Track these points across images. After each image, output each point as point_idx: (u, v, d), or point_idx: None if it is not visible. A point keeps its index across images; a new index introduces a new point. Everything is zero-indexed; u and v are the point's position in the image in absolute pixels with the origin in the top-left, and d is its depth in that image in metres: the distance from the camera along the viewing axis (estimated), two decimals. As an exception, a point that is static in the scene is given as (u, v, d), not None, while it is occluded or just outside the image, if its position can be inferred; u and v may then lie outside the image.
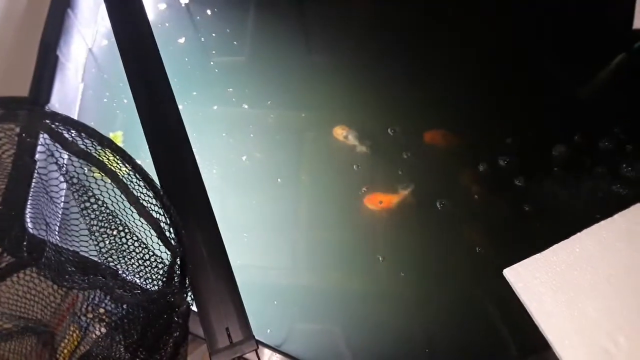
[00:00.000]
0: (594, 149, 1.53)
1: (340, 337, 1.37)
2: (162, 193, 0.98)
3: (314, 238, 1.51)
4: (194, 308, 1.09)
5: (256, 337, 1.06)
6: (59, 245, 0.94)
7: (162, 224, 0.96)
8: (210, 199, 1.19)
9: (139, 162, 0.98)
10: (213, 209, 1.18)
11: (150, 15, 1.77)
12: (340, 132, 1.60)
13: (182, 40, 1.77)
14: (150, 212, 0.94)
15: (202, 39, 1.80)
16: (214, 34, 1.80)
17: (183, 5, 1.84)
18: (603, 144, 1.52)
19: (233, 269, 1.12)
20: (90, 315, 1.02)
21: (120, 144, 1.52)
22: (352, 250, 1.50)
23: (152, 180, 0.97)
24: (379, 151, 1.59)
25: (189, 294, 1.08)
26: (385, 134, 1.61)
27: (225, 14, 1.83)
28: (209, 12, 1.83)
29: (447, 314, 1.41)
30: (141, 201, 0.93)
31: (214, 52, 1.76)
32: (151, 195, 0.95)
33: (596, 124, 1.58)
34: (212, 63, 1.74)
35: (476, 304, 1.40)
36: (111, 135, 1.55)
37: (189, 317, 1.08)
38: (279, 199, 1.55)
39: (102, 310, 1.01)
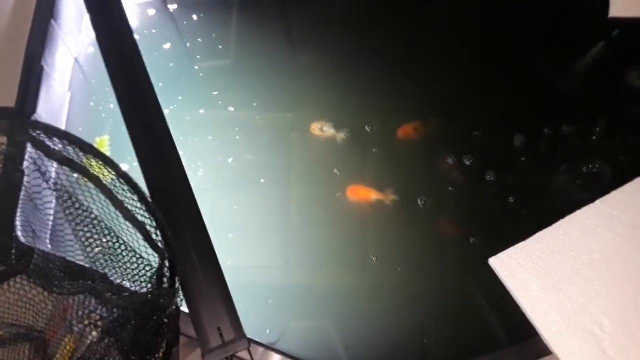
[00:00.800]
0: (573, 137, 1.55)
1: (334, 333, 1.39)
2: (146, 196, 0.99)
3: (303, 236, 1.53)
4: (185, 309, 1.10)
5: (251, 337, 1.07)
6: (46, 251, 0.95)
7: (148, 227, 0.98)
8: (198, 201, 1.20)
9: (126, 165, 0.99)
10: (201, 211, 1.19)
11: (137, 21, 1.79)
12: (315, 127, 1.62)
13: (167, 45, 1.78)
14: (136, 215, 0.96)
15: (188, 43, 1.81)
16: (199, 39, 1.81)
17: (170, 10, 1.86)
18: (582, 132, 1.54)
19: (225, 270, 1.13)
20: (86, 322, 1.03)
21: (106, 148, 1.54)
22: (341, 246, 1.52)
23: (136, 184, 0.98)
24: (356, 147, 1.61)
25: (179, 295, 1.09)
26: (363, 130, 1.63)
27: (211, 18, 1.85)
28: (194, 17, 1.84)
29: (438, 306, 1.43)
30: (126, 205, 0.94)
31: (198, 56, 1.78)
32: (136, 199, 0.97)
33: (575, 113, 1.59)
34: (197, 67, 1.76)
35: (464, 294, 1.42)
36: (97, 140, 1.56)
37: (179, 318, 1.09)
38: (268, 199, 1.56)
39: (94, 315, 1.02)
